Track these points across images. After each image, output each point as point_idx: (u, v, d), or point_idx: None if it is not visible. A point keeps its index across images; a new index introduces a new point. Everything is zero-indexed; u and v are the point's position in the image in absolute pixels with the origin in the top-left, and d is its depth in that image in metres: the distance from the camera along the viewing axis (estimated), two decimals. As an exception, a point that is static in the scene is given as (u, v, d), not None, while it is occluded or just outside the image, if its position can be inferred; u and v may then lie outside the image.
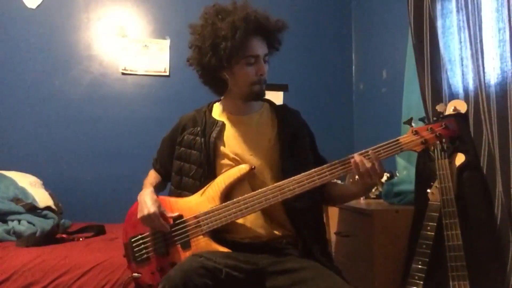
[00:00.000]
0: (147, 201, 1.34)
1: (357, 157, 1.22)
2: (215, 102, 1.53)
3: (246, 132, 1.42)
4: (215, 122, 1.43)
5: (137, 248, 1.37)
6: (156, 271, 1.33)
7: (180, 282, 1.09)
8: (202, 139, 1.40)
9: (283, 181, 1.27)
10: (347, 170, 1.25)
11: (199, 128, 1.43)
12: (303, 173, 1.26)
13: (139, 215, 1.33)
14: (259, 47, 1.36)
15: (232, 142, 1.41)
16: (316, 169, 1.26)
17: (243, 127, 1.43)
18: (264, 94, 1.41)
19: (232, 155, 1.38)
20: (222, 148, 1.40)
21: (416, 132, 1.23)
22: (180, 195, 1.40)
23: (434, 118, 1.34)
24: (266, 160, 1.39)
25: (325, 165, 1.26)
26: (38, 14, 2.80)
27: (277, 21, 1.39)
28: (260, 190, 1.28)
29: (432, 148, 1.43)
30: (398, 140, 1.23)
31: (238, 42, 1.29)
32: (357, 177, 1.25)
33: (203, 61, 1.35)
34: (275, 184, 1.28)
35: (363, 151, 1.24)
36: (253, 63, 1.35)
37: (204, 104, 1.53)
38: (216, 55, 1.32)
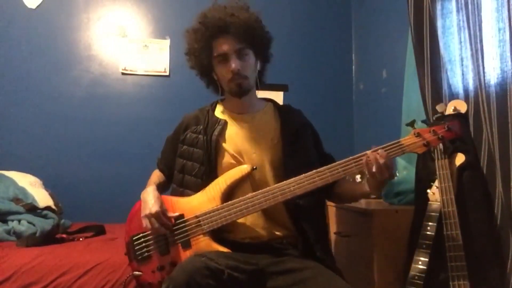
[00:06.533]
0: (149, 201, 1.34)
1: (370, 154, 1.19)
2: (218, 101, 1.54)
3: (249, 131, 1.43)
4: (217, 120, 1.44)
5: (138, 247, 1.37)
6: (156, 270, 1.33)
7: (184, 282, 1.09)
8: (205, 137, 1.41)
9: (283, 182, 1.27)
10: (348, 171, 1.22)
11: (201, 127, 1.44)
12: (303, 174, 1.25)
13: (142, 215, 1.33)
14: (225, 45, 1.37)
15: (234, 140, 1.41)
16: (317, 170, 1.25)
17: (245, 126, 1.44)
18: (247, 89, 1.41)
19: (233, 153, 1.39)
20: (224, 145, 1.40)
21: (418, 134, 1.22)
22: (182, 193, 1.40)
23: (436, 116, 1.33)
24: (268, 159, 1.39)
25: (325, 167, 1.24)
26: (38, 14, 2.80)
27: (249, 16, 1.39)
28: (260, 190, 1.28)
29: (433, 148, 1.43)
30: (400, 142, 1.22)
31: (202, 45, 1.38)
32: (366, 175, 1.23)
33: (191, 66, 1.46)
34: (276, 185, 1.28)
35: (374, 148, 1.20)
36: (223, 61, 1.38)
37: (208, 104, 1.54)
38: (195, 59, 1.42)
